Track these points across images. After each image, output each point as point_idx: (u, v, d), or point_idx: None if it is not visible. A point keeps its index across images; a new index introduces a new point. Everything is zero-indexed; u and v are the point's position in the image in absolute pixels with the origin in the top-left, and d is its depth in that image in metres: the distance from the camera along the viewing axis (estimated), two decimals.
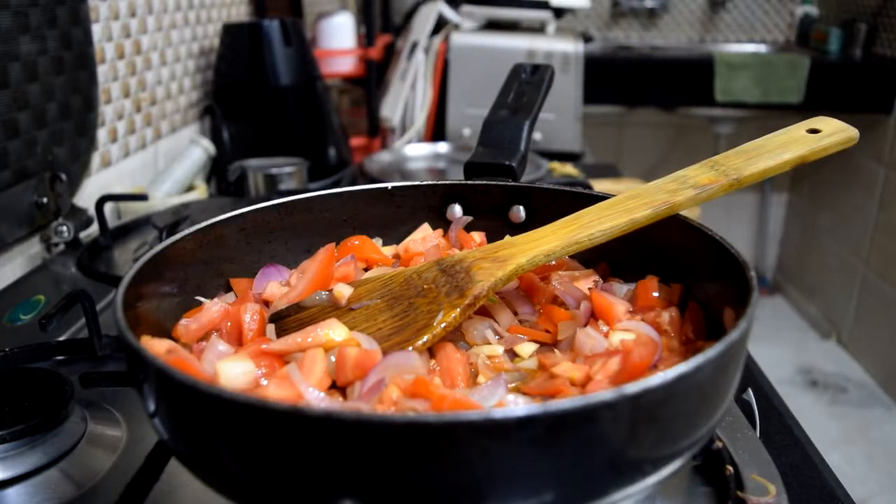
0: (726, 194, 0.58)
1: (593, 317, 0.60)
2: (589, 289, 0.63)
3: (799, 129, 0.59)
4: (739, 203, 3.47)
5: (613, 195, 0.62)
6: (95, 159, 1.23)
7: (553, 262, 0.62)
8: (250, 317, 0.60)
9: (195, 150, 1.46)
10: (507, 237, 0.63)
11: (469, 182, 0.75)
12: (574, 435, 0.37)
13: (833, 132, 0.58)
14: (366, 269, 0.69)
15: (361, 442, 0.36)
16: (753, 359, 0.80)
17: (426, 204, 0.75)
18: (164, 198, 1.33)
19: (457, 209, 0.75)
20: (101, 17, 1.24)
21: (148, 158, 1.43)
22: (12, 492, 0.58)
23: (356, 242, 0.71)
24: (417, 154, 1.75)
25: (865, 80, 2.71)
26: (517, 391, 0.51)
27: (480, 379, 0.53)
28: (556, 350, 0.56)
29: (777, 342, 3.02)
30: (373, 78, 1.90)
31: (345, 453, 0.36)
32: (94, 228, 1.15)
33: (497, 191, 0.74)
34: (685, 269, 0.60)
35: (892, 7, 2.84)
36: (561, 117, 1.83)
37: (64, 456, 0.61)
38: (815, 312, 3.18)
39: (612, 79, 2.72)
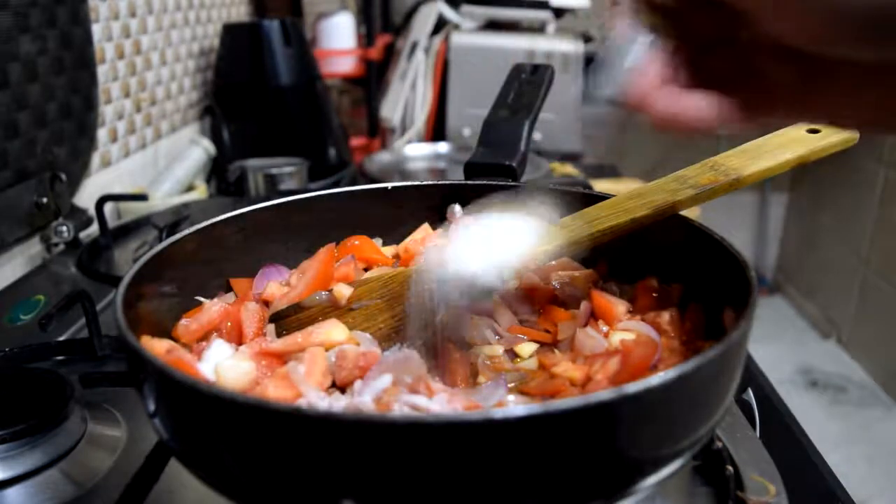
0: (726, 194, 0.58)
1: (593, 317, 0.60)
2: (589, 289, 0.63)
3: (799, 129, 0.59)
4: (739, 203, 3.47)
5: (613, 195, 0.62)
6: (95, 159, 1.23)
7: (553, 262, 0.62)
8: (250, 317, 0.60)
9: (195, 150, 1.46)
10: None
11: (469, 182, 0.75)
12: (574, 435, 0.37)
13: (833, 132, 0.58)
14: (366, 269, 0.69)
15: (361, 442, 0.36)
16: (753, 359, 0.80)
17: (426, 204, 0.75)
18: (164, 198, 1.33)
19: (457, 209, 0.75)
20: (101, 17, 1.24)
21: (148, 158, 1.43)
22: (12, 492, 0.58)
23: (356, 242, 0.71)
24: (417, 154, 1.75)
25: None
26: (517, 391, 0.51)
27: (480, 379, 0.53)
28: (556, 350, 0.57)
29: (777, 342, 3.02)
30: (373, 78, 1.90)
31: (345, 453, 0.36)
32: (94, 228, 1.15)
33: (497, 191, 0.74)
34: (685, 269, 0.60)
35: None
36: (561, 117, 1.83)
37: (64, 456, 0.61)
38: (815, 312, 3.18)
39: None
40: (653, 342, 0.52)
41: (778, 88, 0.43)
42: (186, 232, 0.61)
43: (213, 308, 0.59)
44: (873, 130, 0.44)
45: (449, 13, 1.91)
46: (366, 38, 1.90)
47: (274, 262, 0.69)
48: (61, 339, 0.84)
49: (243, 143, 1.55)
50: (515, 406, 0.48)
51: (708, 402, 0.43)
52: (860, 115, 0.42)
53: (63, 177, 1.07)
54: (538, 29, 2.02)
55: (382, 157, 1.72)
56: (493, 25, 2.00)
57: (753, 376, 0.76)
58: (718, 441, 0.59)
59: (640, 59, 0.44)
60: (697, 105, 0.43)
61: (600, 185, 1.47)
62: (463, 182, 0.75)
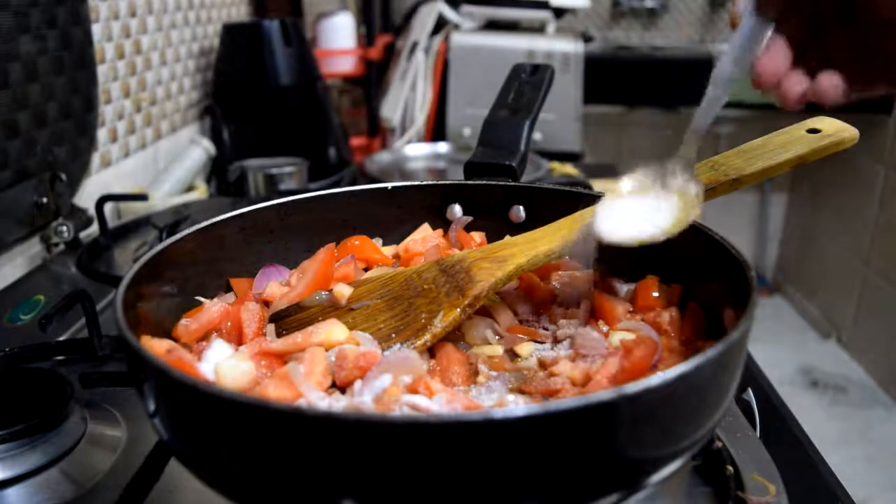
0: (726, 194, 0.58)
1: (593, 317, 0.60)
2: (589, 289, 0.63)
3: (799, 129, 0.59)
4: (739, 203, 3.47)
5: None
6: (95, 159, 1.23)
7: (553, 262, 0.62)
8: (250, 317, 0.60)
9: (195, 150, 1.46)
10: (507, 237, 0.63)
11: (469, 182, 0.75)
12: (574, 435, 0.37)
13: (833, 132, 0.58)
14: (366, 269, 0.69)
15: (362, 442, 0.36)
16: (753, 359, 0.80)
17: (426, 204, 0.75)
18: (164, 198, 1.33)
19: (457, 209, 0.75)
20: (101, 17, 1.24)
21: (148, 158, 1.43)
22: (12, 492, 0.58)
23: (356, 242, 0.71)
24: (417, 154, 1.75)
25: None
26: (517, 391, 0.51)
27: (480, 379, 0.53)
28: (556, 350, 0.57)
29: (777, 342, 3.02)
30: (373, 78, 1.90)
31: (345, 453, 0.36)
32: (94, 228, 1.15)
33: (497, 191, 0.74)
34: (685, 269, 0.60)
35: None
36: (561, 117, 1.83)
37: (64, 456, 0.61)
38: (815, 312, 3.18)
39: (612, 79, 2.72)
40: (653, 342, 0.52)
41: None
42: (186, 232, 0.61)
43: (213, 308, 0.59)
44: None
45: (449, 13, 1.91)
46: (366, 38, 1.90)
47: (274, 262, 0.69)
48: (61, 339, 0.84)
49: (243, 143, 1.55)
50: (515, 406, 0.48)
51: (708, 402, 0.43)
52: None
53: (63, 177, 1.07)
54: (538, 29, 2.02)
55: (382, 157, 1.72)
56: (492, 25, 2.00)
57: (753, 376, 0.76)
58: (718, 441, 0.59)
59: (765, 43, 0.48)
60: (823, 82, 0.48)
61: (600, 185, 1.46)
62: (463, 182, 0.75)
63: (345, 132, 1.74)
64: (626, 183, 0.57)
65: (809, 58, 0.49)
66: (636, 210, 0.55)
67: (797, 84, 0.49)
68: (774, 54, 0.49)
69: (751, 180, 0.58)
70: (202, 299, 0.62)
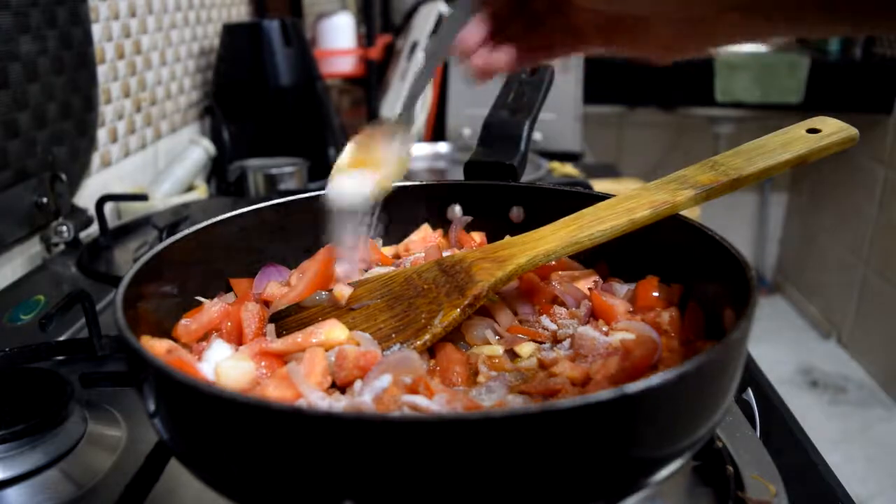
0: (726, 194, 0.58)
1: (593, 317, 0.60)
2: (589, 289, 0.63)
3: (799, 129, 0.59)
4: (739, 203, 3.47)
5: (613, 195, 0.62)
6: (95, 159, 1.23)
7: (553, 262, 0.62)
8: (250, 317, 0.60)
9: (195, 150, 1.46)
10: (507, 237, 0.63)
11: (469, 182, 0.75)
12: (574, 435, 0.37)
13: (833, 132, 0.58)
14: (366, 270, 0.69)
15: (361, 442, 0.36)
16: (753, 359, 0.80)
17: (426, 204, 0.75)
18: (164, 198, 1.33)
19: (457, 209, 0.75)
20: (101, 17, 1.24)
21: (148, 158, 1.43)
22: (12, 492, 0.58)
23: None
24: (417, 154, 1.75)
25: (865, 80, 2.71)
26: (517, 391, 0.51)
27: (480, 379, 0.53)
28: (556, 350, 0.57)
29: (777, 342, 3.02)
30: (373, 78, 1.90)
31: (345, 453, 0.36)
32: (94, 228, 1.15)
33: (497, 191, 0.74)
34: (685, 269, 0.60)
35: None
36: (561, 117, 1.83)
37: (64, 456, 0.61)
38: (815, 312, 3.18)
39: (612, 79, 2.72)
40: (653, 342, 0.52)
41: (582, 31, 0.56)
42: (186, 232, 0.61)
43: (213, 308, 0.59)
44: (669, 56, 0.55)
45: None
46: (366, 38, 1.90)
47: (274, 262, 0.69)
48: (61, 339, 0.84)
49: (243, 143, 1.55)
50: (515, 406, 0.48)
51: (708, 402, 0.43)
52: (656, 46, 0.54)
53: (63, 177, 1.07)
54: None
55: None
56: None
57: (753, 376, 0.76)
58: (718, 441, 0.59)
59: (465, 24, 0.57)
60: (496, 54, 0.57)
61: (600, 185, 1.46)
62: (463, 182, 0.75)
63: (345, 132, 1.74)
64: (349, 153, 0.67)
65: (506, 34, 0.58)
66: (355, 180, 0.65)
67: (478, 57, 0.57)
68: (470, 31, 0.57)
69: (751, 180, 0.58)
70: (202, 299, 0.62)
